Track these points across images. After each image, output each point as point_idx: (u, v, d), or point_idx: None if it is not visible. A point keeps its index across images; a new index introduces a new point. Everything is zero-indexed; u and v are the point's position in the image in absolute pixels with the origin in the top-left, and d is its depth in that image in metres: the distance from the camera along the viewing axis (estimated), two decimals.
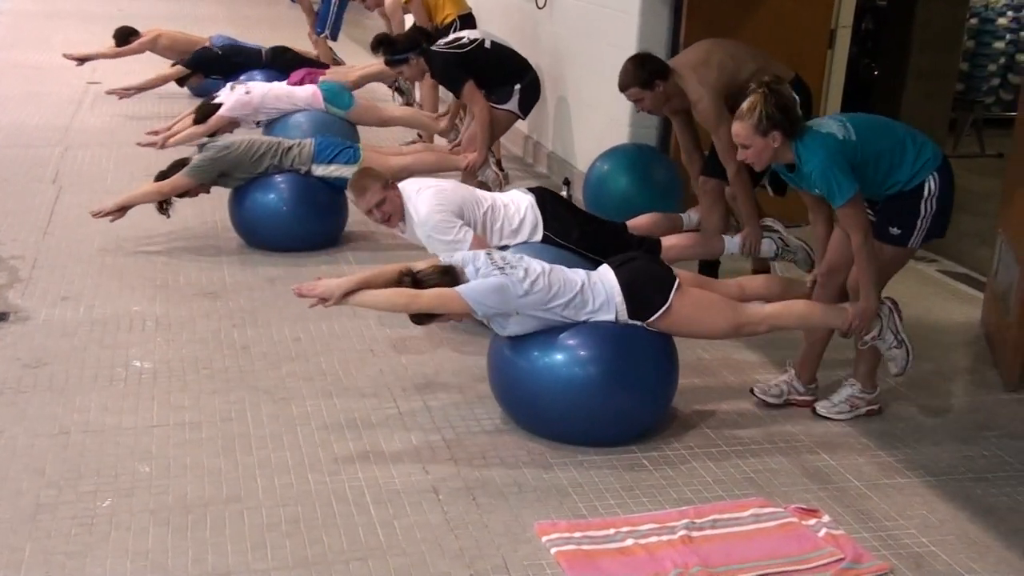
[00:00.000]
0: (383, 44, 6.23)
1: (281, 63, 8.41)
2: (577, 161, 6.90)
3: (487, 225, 4.42)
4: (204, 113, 6.85)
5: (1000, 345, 4.54)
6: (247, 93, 6.89)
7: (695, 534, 3.12)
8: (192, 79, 8.60)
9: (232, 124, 6.96)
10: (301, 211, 5.54)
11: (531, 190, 4.61)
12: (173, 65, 8.55)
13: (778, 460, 3.67)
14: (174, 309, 4.77)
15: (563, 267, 3.70)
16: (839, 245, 3.90)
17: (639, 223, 4.82)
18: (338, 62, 9.19)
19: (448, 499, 3.33)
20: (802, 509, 3.30)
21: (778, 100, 3.54)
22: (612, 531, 3.14)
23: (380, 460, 3.56)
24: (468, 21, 7.65)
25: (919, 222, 3.71)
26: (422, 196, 4.39)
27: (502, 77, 6.09)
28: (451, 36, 6.26)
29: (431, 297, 3.51)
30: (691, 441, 3.77)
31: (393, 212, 4.43)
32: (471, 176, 5.90)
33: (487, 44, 6.08)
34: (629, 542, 3.07)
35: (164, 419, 3.78)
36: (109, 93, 8.46)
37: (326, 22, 9.92)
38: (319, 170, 5.48)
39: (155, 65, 9.12)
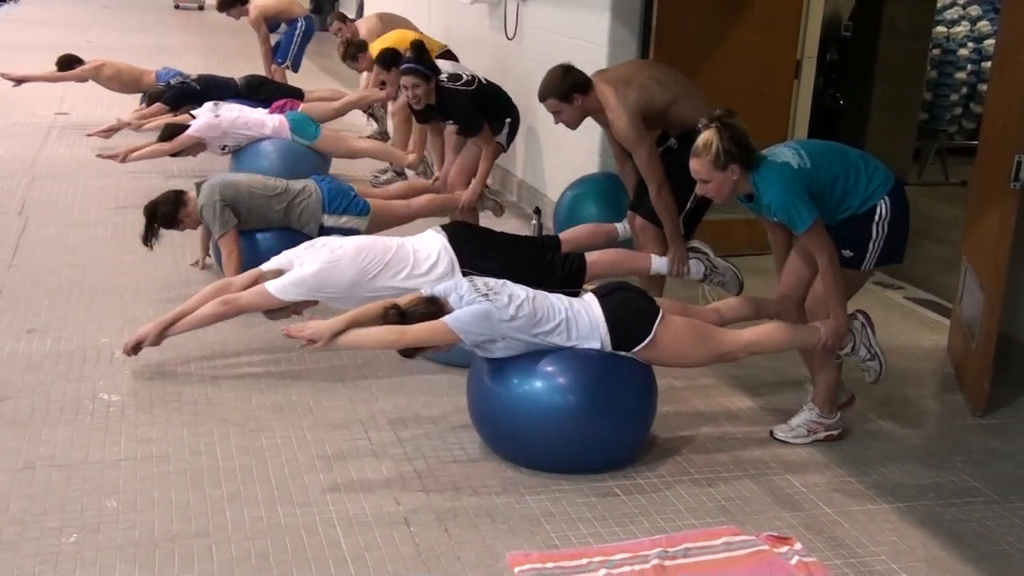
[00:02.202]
0: (418, 50, 6.17)
1: (255, 94, 8.40)
2: (547, 190, 6.93)
3: (389, 273, 4.33)
4: (171, 132, 6.84)
5: (966, 371, 4.59)
6: (216, 116, 6.87)
7: (668, 563, 3.12)
8: (174, 115, 8.43)
9: (198, 146, 6.91)
10: (281, 242, 5.37)
11: (444, 228, 4.58)
12: (150, 103, 8.46)
13: (749, 487, 3.68)
14: None
15: (546, 294, 3.71)
16: (792, 272, 3.96)
17: (572, 235, 4.85)
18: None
19: (420, 530, 3.30)
20: (774, 537, 3.30)
21: (732, 133, 3.57)
22: (585, 561, 3.12)
23: (351, 491, 3.53)
24: (448, 58, 7.68)
25: (871, 244, 3.76)
26: (314, 255, 4.38)
27: (496, 112, 6.09)
28: (449, 72, 6.22)
29: (419, 331, 3.52)
30: (663, 469, 3.77)
31: None
32: (469, 212, 5.89)
33: (483, 80, 6.10)
34: (602, 572, 3.06)
35: (132, 452, 3.73)
36: (89, 135, 8.38)
37: (287, 53, 9.98)
38: (330, 220, 5.30)
39: (126, 100, 9.07)
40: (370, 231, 5.38)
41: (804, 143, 3.80)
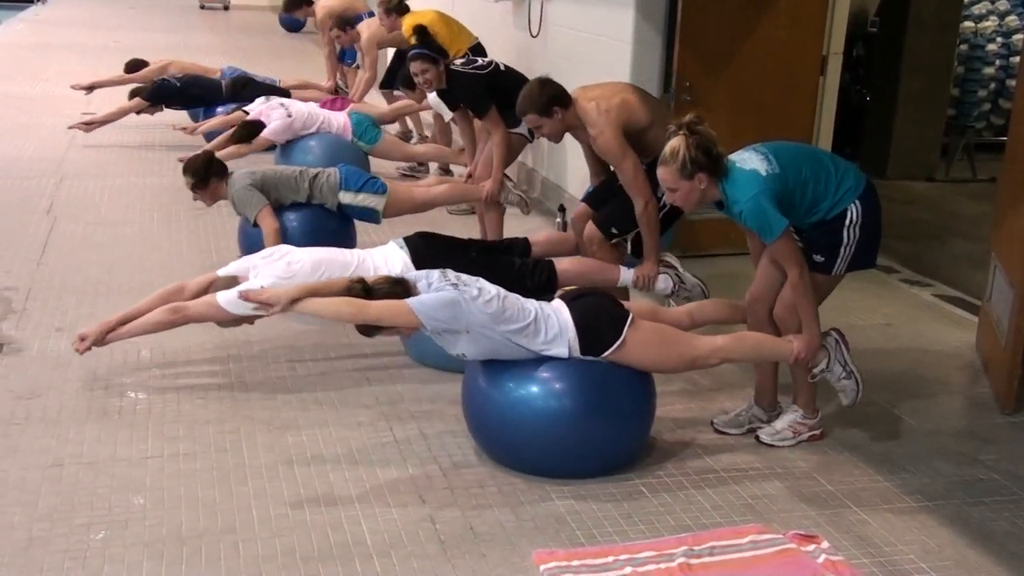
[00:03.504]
0: (421, 34, 6.16)
1: (241, 94, 8.46)
2: (571, 187, 6.92)
3: None
4: (247, 132, 6.90)
5: (995, 369, 4.54)
6: (289, 116, 6.96)
7: (693, 562, 3.10)
8: (151, 110, 8.62)
9: (267, 144, 7.06)
10: (309, 240, 5.42)
11: (406, 240, 4.51)
12: (132, 97, 8.58)
13: (776, 486, 3.65)
14: (169, 339, 4.73)
15: (518, 296, 3.66)
16: (763, 275, 3.90)
17: (543, 239, 4.84)
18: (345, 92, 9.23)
19: (445, 528, 3.31)
20: (801, 535, 3.28)
21: (699, 141, 3.51)
22: (610, 559, 3.12)
23: (376, 489, 3.54)
24: (479, 52, 7.69)
25: (842, 249, 3.70)
26: (270, 268, 4.30)
27: (514, 101, 6.03)
28: (466, 59, 6.24)
29: (380, 308, 3.46)
30: (688, 467, 3.76)
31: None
32: (493, 204, 5.85)
33: (501, 67, 6.07)
34: (627, 570, 3.05)
35: (159, 450, 3.76)
36: (71, 128, 8.48)
37: (357, 53, 9.91)
38: (346, 197, 5.38)
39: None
40: (388, 214, 5.42)
41: (772, 146, 3.70)
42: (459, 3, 9.09)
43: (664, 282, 4.62)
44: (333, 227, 5.48)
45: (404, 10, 8.12)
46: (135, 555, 3.11)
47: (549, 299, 4.47)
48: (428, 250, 4.46)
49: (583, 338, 3.55)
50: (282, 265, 4.30)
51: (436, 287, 3.54)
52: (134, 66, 9.26)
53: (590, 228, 4.77)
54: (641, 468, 3.72)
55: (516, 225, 6.18)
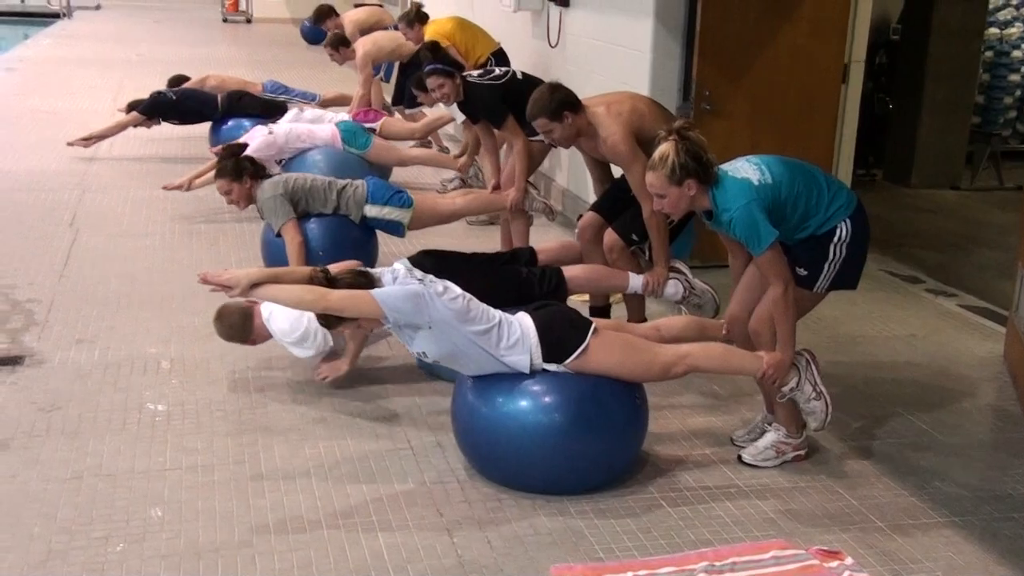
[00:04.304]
0: (433, 50, 6.17)
1: (237, 109, 8.47)
2: (591, 198, 6.88)
3: None
4: (230, 155, 6.89)
5: None
6: (270, 134, 6.95)
7: None
8: (148, 123, 8.63)
9: None
10: (331, 249, 5.34)
11: (410, 259, 4.40)
12: (128, 111, 8.61)
13: (798, 500, 3.61)
14: (189, 351, 4.76)
15: (482, 304, 3.62)
16: (744, 295, 3.85)
17: (548, 247, 4.80)
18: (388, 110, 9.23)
19: (462, 541, 3.28)
20: (824, 551, 3.23)
21: (689, 148, 3.47)
22: (629, 574, 3.08)
23: (393, 501, 3.52)
24: (501, 58, 7.71)
25: (827, 266, 3.64)
26: (275, 318, 4.28)
27: None
28: (482, 69, 6.23)
29: (341, 297, 3.41)
30: (709, 481, 3.71)
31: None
32: (518, 213, 5.81)
33: (519, 75, 6.06)
34: None
35: (177, 462, 3.75)
36: (71, 144, 8.51)
37: (385, 68, 9.90)
38: (372, 211, 5.37)
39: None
40: (413, 226, 5.41)
41: (766, 158, 3.65)
42: (479, 13, 9.10)
43: (674, 287, 4.59)
44: (355, 237, 5.46)
45: (424, 19, 8.16)
46: (152, 568, 3.10)
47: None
48: (432, 266, 4.41)
49: (546, 344, 3.51)
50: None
51: (401, 281, 3.51)
52: (176, 81, 9.30)
53: (610, 236, 4.74)
54: (660, 481, 3.69)
55: (539, 233, 6.14)
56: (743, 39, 5.78)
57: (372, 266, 5.63)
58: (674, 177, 3.47)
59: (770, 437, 3.86)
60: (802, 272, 3.66)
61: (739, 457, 3.86)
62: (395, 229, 5.41)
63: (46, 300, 5.36)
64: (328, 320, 3.52)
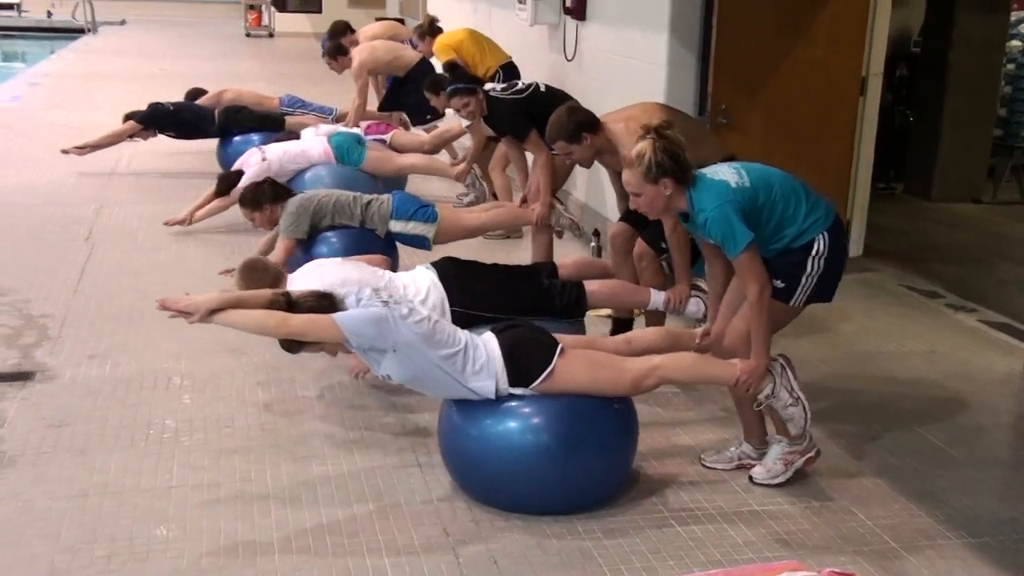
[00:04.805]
0: (450, 70, 6.15)
1: (234, 123, 8.47)
2: (608, 212, 6.84)
3: None
4: (227, 184, 6.94)
5: None
6: (264, 160, 6.96)
7: None
8: (143, 133, 8.66)
9: None
10: (360, 242, 5.33)
11: (434, 264, 4.45)
12: (125, 121, 8.64)
13: (811, 519, 3.54)
14: (199, 367, 4.75)
15: (451, 324, 3.58)
16: (728, 311, 3.79)
17: (571, 262, 4.76)
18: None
19: (468, 563, 3.24)
20: (837, 573, 3.15)
21: (667, 146, 3.42)
22: None
23: (400, 520, 3.48)
24: (511, 71, 7.69)
25: (804, 278, 3.57)
26: (301, 280, 4.25)
27: None
28: (504, 83, 6.21)
29: (302, 321, 3.34)
30: (720, 500, 3.66)
31: None
32: (544, 228, 5.77)
33: (542, 88, 6.03)
34: None
35: (183, 479, 3.73)
36: (65, 152, 8.54)
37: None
38: (397, 226, 5.37)
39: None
40: (439, 240, 5.39)
41: (746, 165, 3.61)
42: (496, 25, 9.10)
43: (696, 305, 4.54)
44: (376, 250, 5.43)
45: (437, 32, 8.16)
46: None
47: (577, 321, 4.40)
48: (456, 271, 4.42)
49: (511, 368, 3.45)
50: (311, 278, 4.26)
51: (365, 303, 3.44)
52: (193, 95, 9.34)
53: (640, 245, 4.71)
54: (671, 500, 3.63)
55: (557, 246, 6.10)
56: (759, 52, 5.74)
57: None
58: (650, 175, 3.43)
59: (775, 451, 3.79)
60: (779, 284, 3.59)
61: (750, 478, 3.80)
62: (421, 243, 5.39)
63: (59, 315, 5.37)
64: (291, 345, 3.46)
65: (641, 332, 4.04)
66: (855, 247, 6.46)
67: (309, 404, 4.40)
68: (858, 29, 5.92)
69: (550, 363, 3.44)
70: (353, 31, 9.51)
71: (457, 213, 5.83)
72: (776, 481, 3.75)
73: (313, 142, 7.22)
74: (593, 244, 6.19)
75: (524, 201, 5.94)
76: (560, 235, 5.86)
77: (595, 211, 7.16)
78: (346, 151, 7.07)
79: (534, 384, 3.44)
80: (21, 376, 4.60)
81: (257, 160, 6.96)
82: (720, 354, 3.74)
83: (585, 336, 3.90)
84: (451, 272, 4.40)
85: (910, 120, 8.64)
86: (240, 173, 6.95)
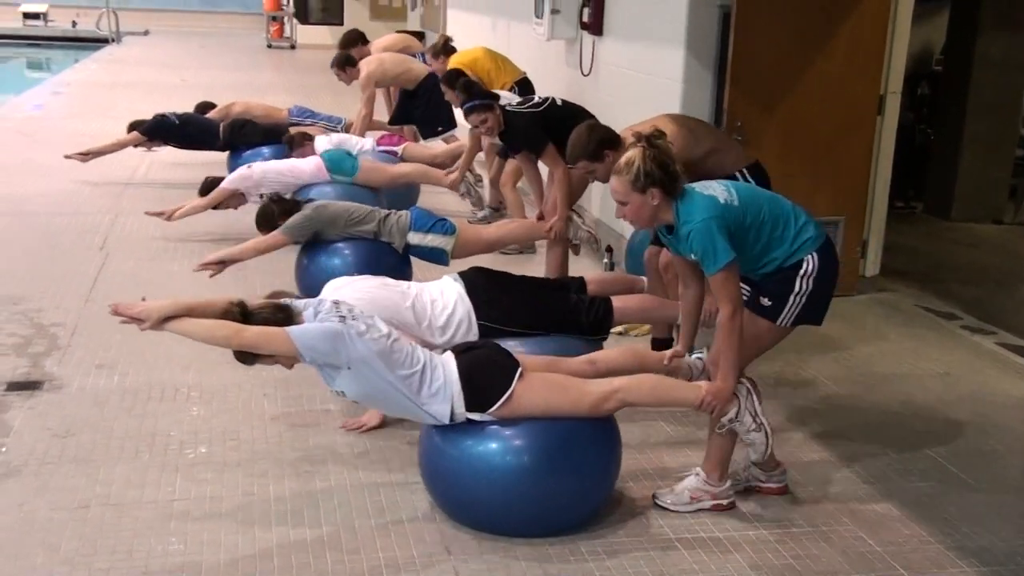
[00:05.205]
0: (467, 88, 6.16)
1: (239, 137, 8.48)
2: (622, 227, 6.81)
3: (411, 327, 4.11)
4: (207, 186, 6.99)
5: None
6: (248, 167, 7.02)
7: None
8: (148, 145, 8.69)
9: (236, 197, 7.02)
10: (366, 272, 5.30)
11: (461, 275, 4.40)
12: (130, 131, 8.67)
13: (819, 544, 3.48)
14: (207, 378, 4.73)
15: (411, 344, 3.51)
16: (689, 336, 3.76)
17: (596, 278, 4.70)
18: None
19: None
20: None
21: (657, 156, 3.35)
22: None
23: (401, 538, 3.44)
24: (526, 87, 7.68)
25: (792, 297, 3.48)
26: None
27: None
28: (520, 97, 6.20)
29: (255, 334, 3.26)
30: (728, 523, 3.60)
31: None
32: (559, 241, 5.73)
33: (558, 102, 6.01)
34: None
35: (186, 492, 3.71)
36: (67, 157, 8.57)
37: None
38: (415, 239, 5.35)
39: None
40: (457, 254, 5.36)
41: (735, 184, 3.56)
42: (514, 41, 9.10)
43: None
44: (391, 263, 5.41)
45: (451, 52, 8.16)
46: None
47: (603, 338, 4.34)
48: (483, 283, 4.37)
49: (469, 392, 3.38)
50: (340, 296, 4.17)
51: (322, 317, 3.37)
52: (203, 108, 9.38)
53: (665, 255, 4.66)
54: (676, 522, 3.58)
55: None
56: (776, 68, 5.69)
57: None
58: (638, 184, 3.36)
59: (690, 481, 3.70)
60: (766, 302, 3.52)
61: (653, 496, 3.71)
62: (439, 257, 5.36)
63: (70, 324, 5.37)
64: (245, 357, 3.38)
65: (606, 352, 3.92)
66: (871, 267, 6.40)
67: (315, 418, 4.37)
68: (876, 47, 5.86)
69: (508, 387, 3.36)
70: (367, 42, 9.53)
71: (475, 227, 5.82)
72: (676, 509, 3.65)
73: (306, 158, 7.23)
74: (606, 260, 6.15)
75: (541, 217, 5.92)
76: (577, 250, 5.82)
77: (609, 227, 7.12)
78: (338, 163, 7.05)
79: (492, 409, 3.37)
80: (29, 385, 4.61)
81: (241, 168, 7.03)
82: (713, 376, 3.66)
83: (548, 357, 3.80)
84: (479, 284, 4.35)
85: (931, 139, 8.57)
86: (220, 179, 7.03)
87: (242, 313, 3.35)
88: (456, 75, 6.78)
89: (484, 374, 3.42)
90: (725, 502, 3.69)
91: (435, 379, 3.39)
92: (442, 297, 4.26)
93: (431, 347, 4.18)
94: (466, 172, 7.25)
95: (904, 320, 5.90)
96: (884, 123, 6.10)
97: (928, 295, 6.31)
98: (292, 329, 3.29)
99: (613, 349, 3.95)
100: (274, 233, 5.44)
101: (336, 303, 3.48)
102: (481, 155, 8.61)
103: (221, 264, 5.47)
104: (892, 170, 6.36)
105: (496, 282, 4.42)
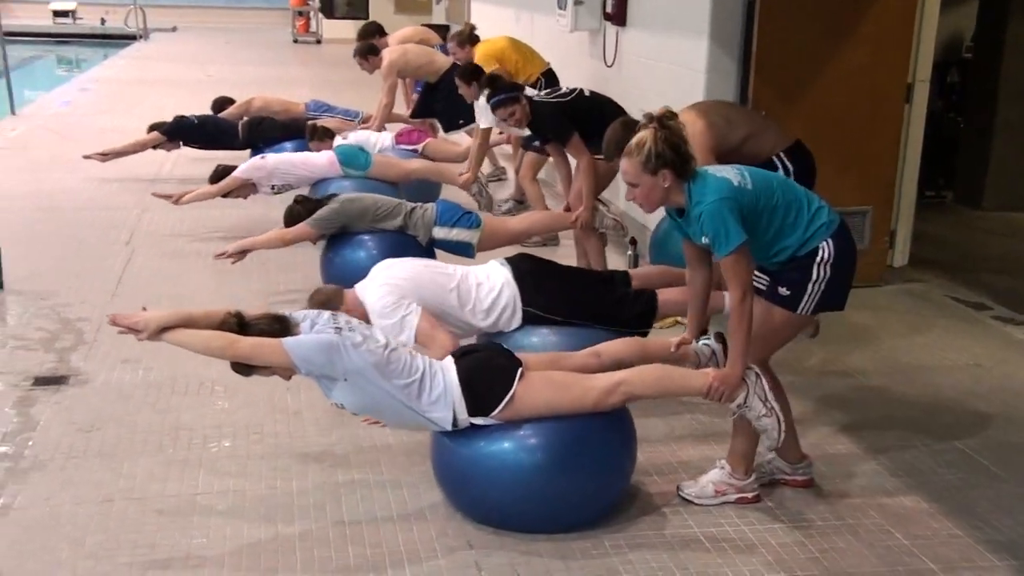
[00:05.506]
0: (491, 82, 6.14)
1: (258, 135, 8.47)
2: (647, 219, 6.76)
3: (455, 309, 4.16)
4: (218, 174, 7.02)
5: None
6: (261, 158, 7.02)
7: None
8: (167, 145, 8.69)
9: (247, 187, 7.01)
10: (400, 248, 5.25)
11: (508, 260, 4.38)
12: (150, 131, 8.69)
13: (845, 538, 3.44)
14: (231, 372, 4.64)
15: (410, 352, 3.47)
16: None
17: (642, 273, 4.67)
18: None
19: (490, 575, 3.18)
20: None
21: (669, 137, 3.28)
22: None
23: (424, 532, 3.43)
24: (551, 78, 7.65)
25: (811, 285, 3.41)
26: (368, 292, 4.17)
27: (602, 127, 5.86)
28: (551, 89, 6.18)
29: (251, 345, 3.25)
30: (751, 517, 3.56)
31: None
32: (588, 232, 5.71)
33: (586, 92, 5.98)
34: None
35: (209, 486, 3.72)
36: (86, 158, 8.60)
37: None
38: (440, 232, 5.36)
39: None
40: (483, 247, 5.36)
41: (749, 168, 3.48)
42: (537, 32, 9.06)
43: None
44: (416, 256, 5.39)
45: (476, 41, 8.13)
46: None
47: (645, 333, 4.30)
48: (530, 269, 4.36)
49: (470, 397, 3.35)
50: (382, 277, 4.21)
51: (319, 329, 3.35)
52: (220, 105, 9.41)
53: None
54: (700, 516, 3.55)
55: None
56: (801, 57, 5.62)
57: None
58: (649, 165, 3.30)
59: (713, 474, 3.67)
60: (785, 292, 3.45)
61: (677, 488, 3.69)
62: (464, 250, 5.36)
63: (96, 319, 5.40)
64: (241, 368, 3.37)
65: (609, 344, 3.86)
66: (900, 257, 6.32)
67: (339, 412, 4.30)
68: (904, 34, 5.78)
69: (509, 389, 3.33)
70: (384, 34, 9.51)
71: (501, 219, 5.82)
72: (700, 502, 3.63)
73: (320, 152, 7.22)
74: (630, 253, 6.11)
75: (568, 209, 5.90)
76: (605, 239, 5.80)
77: (633, 218, 7.08)
78: (351, 157, 7.03)
79: (494, 413, 3.34)
80: (55, 380, 4.64)
81: (254, 158, 7.03)
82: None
83: (550, 354, 3.77)
84: (526, 270, 4.34)
85: (960, 127, 8.45)
86: (232, 167, 7.03)
87: (239, 324, 3.33)
88: (473, 71, 6.76)
89: (484, 378, 3.38)
90: (750, 495, 3.66)
91: (435, 386, 3.36)
92: (488, 280, 4.26)
93: (475, 330, 4.21)
94: (478, 172, 7.21)
95: (933, 310, 5.83)
96: (912, 112, 6.02)
97: (958, 285, 6.22)
98: (287, 340, 3.27)
99: (616, 340, 3.89)
100: (301, 224, 5.48)
101: (334, 315, 3.46)
102: (508, 147, 8.61)
103: (242, 253, 5.51)
104: (921, 159, 6.28)
105: (544, 269, 4.42)
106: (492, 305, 4.17)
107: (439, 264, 4.40)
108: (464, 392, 3.35)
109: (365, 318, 4.04)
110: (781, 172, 4.47)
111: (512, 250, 4.86)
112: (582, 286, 4.34)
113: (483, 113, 6.94)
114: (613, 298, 4.28)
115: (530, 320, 4.17)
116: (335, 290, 4.21)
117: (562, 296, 4.23)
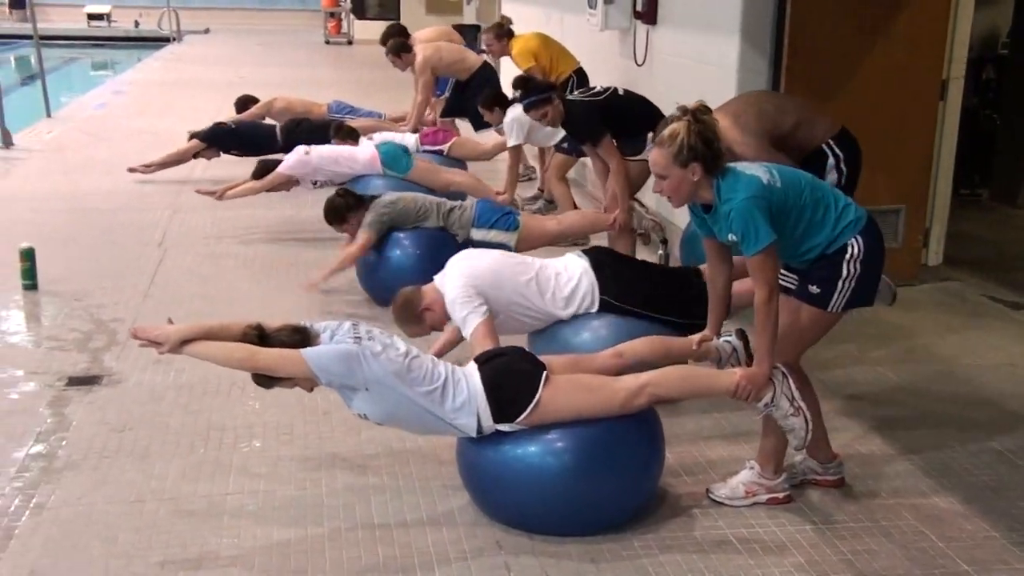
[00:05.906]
0: (523, 83, 6.14)
1: (295, 136, 8.46)
2: (676, 218, 6.73)
3: (535, 297, 4.18)
4: (263, 169, 7.08)
5: None
6: (306, 153, 7.04)
7: None
8: (207, 153, 8.70)
9: (290, 182, 7.08)
10: (426, 263, 5.18)
11: (586, 252, 4.41)
12: (190, 139, 8.73)
13: (878, 539, 3.40)
14: None
15: (432, 359, 3.45)
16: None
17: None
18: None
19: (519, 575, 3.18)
20: None
21: (702, 131, 3.25)
22: None
23: (453, 533, 3.43)
24: (582, 77, 7.64)
25: (841, 283, 3.37)
26: (448, 283, 4.17)
27: (635, 127, 5.84)
28: (585, 88, 6.18)
29: (271, 356, 3.25)
30: (782, 518, 3.53)
31: (436, 320, 4.24)
32: (625, 233, 5.70)
33: (620, 91, 5.96)
34: None
35: (239, 487, 3.74)
36: (131, 171, 8.65)
37: (445, 85, 9.92)
38: (478, 234, 5.42)
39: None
40: (521, 248, 5.36)
41: (776, 166, 3.45)
42: (568, 31, 9.04)
43: None
44: (450, 253, 5.40)
45: (511, 35, 8.14)
46: None
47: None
48: (608, 260, 4.38)
49: (495, 404, 3.33)
50: (465, 266, 4.22)
51: (338, 339, 3.34)
52: (243, 104, 9.45)
53: None
54: (730, 518, 3.52)
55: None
56: (833, 55, 5.57)
57: None
58: (680, 157, 3.26)
59: (744, 475, 3.64)
60: (815, 290, 3.41)
61: (707, 490, 3.66)
62: (500, 247, 5.35)
63: (129, 319, 5.45)
64: (262, 379, 3.37)
65: (631, 344, 3.83)
66: (934, 256, 6.25)
67: None
68: (938, 32, 5.71)
69: (535, 395, 3.31)
70: (408, 35, 9.53)
71: (539, 219, 5.83)
72: (731, 503, 3.60)
73: (362, 147, 7.24)
74: (661, 252, 6.07)
75: (607, 211, 5.89)
76: (646, 239, 5.79)
77: (664, 218, 7.04)
78: (394, 159, 7.05)
79: (519, 419, 3.32)
80: (88, 380, 4.68)
81: (300, 152, 7.04)
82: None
83: (573, 356, 3.76)
84: (604, 261, 4.37)
85: (996, 124, 8.34)
86: (277, 162, 7.06)
87: (259, 336, 3.34)
88: (496, 97, 6.81)
89: (509, 384, 3.37)
90: (781, 495, 3.63)
91: (459, 393, 3.35)
92: (566, 271, 4.29)
93: (556, 320, 4.23)
94: (515, 191, 7.20)
95: (968, 309, 5.75)
96: (947, 109, 5.95)
97: (993, 284, 6.14)
98: (307, 351, 3.27)
99: (638, 340, 3.86)
100: (360, 233, 5.54)
101: (355, 325, 3.46)
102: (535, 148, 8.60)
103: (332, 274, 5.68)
104: (956, 156, 6.20)
105: (621, 261, 4.48)
106: (572, 294, 4.20)
107: (516, 255, 4.46)
108: (489, 398, 3.34)
109: (445, 311, 4.12)
110: (832, 160, 4.50)
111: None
112: (660, 279, 4.37)
113: (511, 131, 6.96)
114: (689, 294, 4.23)
115: (607, 310, 4.20)
116: (413, 290, 4.24)
117: (640, 287, 4.25)
